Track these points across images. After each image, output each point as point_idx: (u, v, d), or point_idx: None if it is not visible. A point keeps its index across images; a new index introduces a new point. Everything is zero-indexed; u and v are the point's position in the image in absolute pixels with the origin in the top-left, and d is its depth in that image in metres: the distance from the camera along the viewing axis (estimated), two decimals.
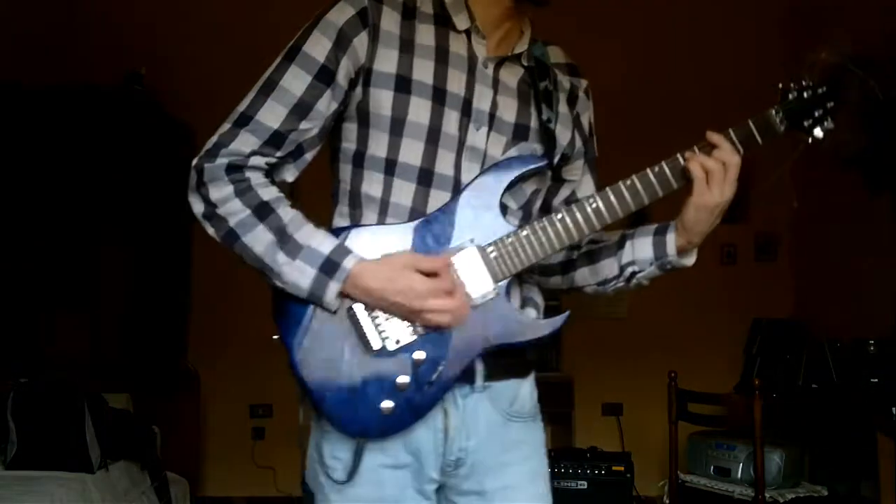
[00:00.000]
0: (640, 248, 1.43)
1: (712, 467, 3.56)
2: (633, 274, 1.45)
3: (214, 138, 1.33)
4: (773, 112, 1.38)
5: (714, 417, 3.37)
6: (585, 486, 3.71)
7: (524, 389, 1.45)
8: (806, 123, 1.39)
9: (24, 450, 3.37)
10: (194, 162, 1.33)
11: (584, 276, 1.51)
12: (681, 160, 1.36)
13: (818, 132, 1.40)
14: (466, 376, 1.35)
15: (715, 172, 1.34)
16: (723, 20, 4.74)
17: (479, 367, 1.37)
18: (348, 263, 1.28)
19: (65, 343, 3.94)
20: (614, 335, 4.78)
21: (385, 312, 1.30)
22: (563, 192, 1.53)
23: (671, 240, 1.41)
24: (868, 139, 4.09)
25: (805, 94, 1.39)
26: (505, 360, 1.39)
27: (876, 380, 3.51)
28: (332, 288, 1.28)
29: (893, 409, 3.14)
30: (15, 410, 3.42)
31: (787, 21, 4.78)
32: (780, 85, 1.40)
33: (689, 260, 1.44)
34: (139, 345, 4.10)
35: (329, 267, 1.28)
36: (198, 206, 1.33)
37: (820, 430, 3.87)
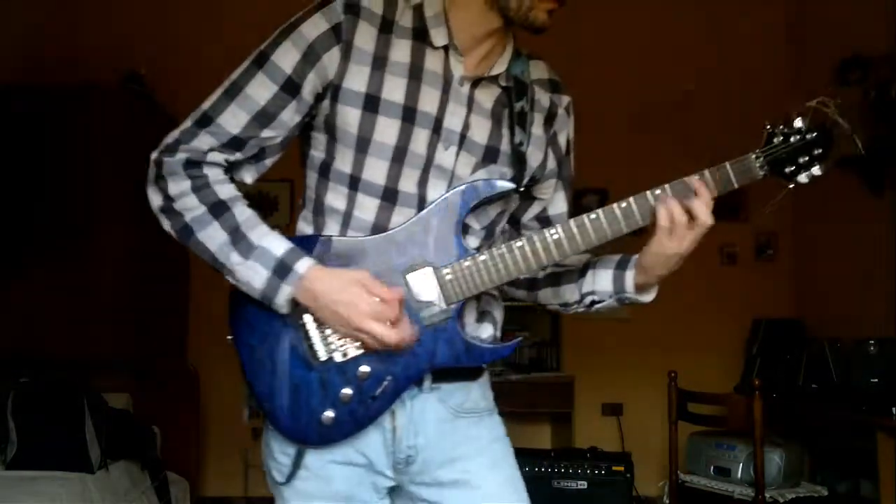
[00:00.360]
0: (601, 280, 1.44)
1: (712, 467, 3.56)
2: (593, 303, 1.47)
3: (175, 134, 1.33)
4: (754, 157, 1.37)
5: (714, 417, 3.37)
6: (585, 486, 3.71)
7: (474, 392, 1.45)
8: (788, 170, 1.37)
9: (24, 450, 3.36)
10: (154, 155, 1.33)
11: (546, 297, 1.54)
12: (650, 199, 1.33)
13: (803, 178, 1.37)
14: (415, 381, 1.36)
15: (678, 224, 1.31)
16: (729, 25, 4.75)
17: (428, 373, 1.37)
18: (301, 267, 1.28)
19: (65, 343, 3.94)
20: (614, 335, 4.77)
21: (327, 323, 1.30)
22: (534, 210, 1.52)
23: (629, 277, 1.41)
24: (868, 139, 4.09)
25: (792, 138, 1.36)
26: (454, 368, 1.39)
27: (876, 380, 3.51)
28: (285, 291, 1.28)
29: (893, 409, 3.14)
30: (15, 410, 3.41)
31: (793, 26, 4.78)
32: (768, 126, 1.37)
33: (648, 297, 1.43)
34: (139, 345, 4.10)
35: (282, 269, 1.28)
36: (156, 200, 1.33)
37: (820, 430, 3.87)
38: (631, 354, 4.69)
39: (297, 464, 1.34)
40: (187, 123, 1.33)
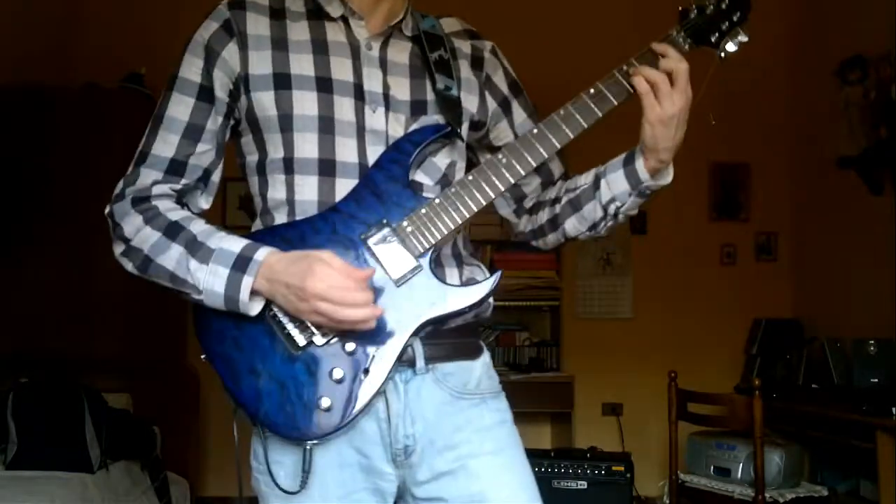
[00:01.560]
0: (616, 184, 1.38)
1: (712, 467, 3.56)
2: (618, 209, 1.40)
3: (120, 184, 1.33)
4: (675, 32, 1.35)
5: (714, 417, 3.37)
6: (585, 486, 3.71)
7: (477, 370, 1.40)
8: (713, 38, 1.35)
9: (24, 450, 3.36)
10: (106, 210, 1.32)
11: (573, 226, 1.46)
12: (618, 76, 1.31)
13: (731, 46, 1.35)
14: (407, 361, 1.30)
15: (660, 83, 1.28)
16: None
17: (419, 350, 1.31)
18: (259, 255, 1.24)
19: (65, 343, 3.94)
20: (614, 335, 4.78)
21: (286, 306, 1.23)
22: None
23: (640, 165, 1.35)
24: (868, 139, 4.10)
25: (707, 10, 1.35)
26: (449, 342, 1.35)
27: (876, 380, 3.51)
28: (246, 283, 1.22)
29: (893, 409, 3.14)
30: (15, 410, 3.41)
31: (793, 26, 4.78)
32: (680, 7, 1.35)
33: (666, 179, 1.38)
34: (139, 344, 4.10)
35: (241, 263, 1.24)
36: (117, 248, 1.32)
37: (820, 430, 3.87)
38: (631, 354, 4.69)
39: (306, 468, 1.27)
40: (129, 170, 1.34)
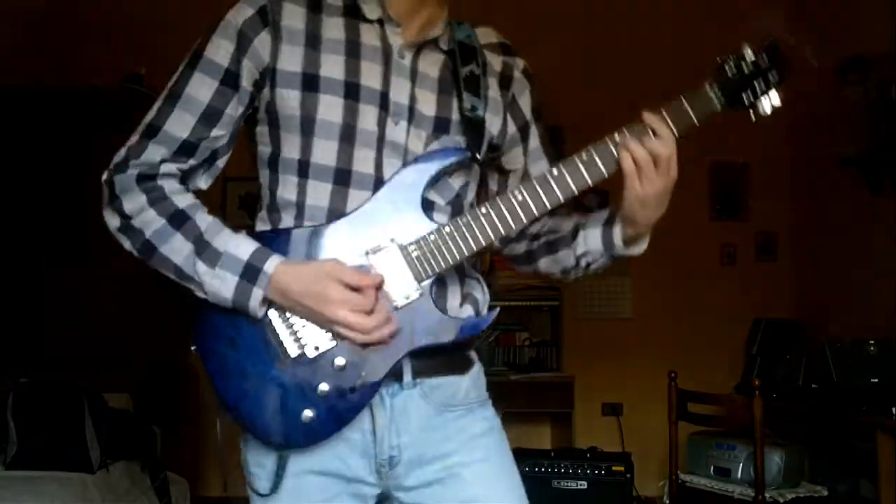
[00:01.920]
0: (591, 240, 1.38)
1: (712, 467, 3.55)
2: (588, 264, 1.41)
3: (123, 152, 1.29)
4: (707, 87, 1.28)
5: (714, 417, 3.36)
6: (585, 486, 3.70)
7: (464, 384, 1.37)
8: (747, 99, 1.29)
9: (24, 450, 3.36)
10: (104, 177, 1.28)
11: (547, 266, 1.47)
12: (610, 146, 1.27)
13: (765, 107, 1.30)
14: (394, 374, 1.29)
15: (643, 165, 1.25)
16: (728, 25, 4.74)
17: (407, 366, 1.30)
18: (269, 267, 1.23)
19: (64, 343, 3.94)
20: (614, 335, 4.78)
21: (300, 318, 1.25)
22: (511, 183, 1.47)
23: (617, 232, 1.35)
24: (868, 139, 4.09)
25: (743, 65, 1.29)
26: (437, 358, 1.33)
27: (876, 380, 3.51)
28: (256, 294, 1.23)
29: (893, 409, 3.14)
30: (15, 410, 3.41)
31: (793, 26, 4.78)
32: (719, 59, 1.29)
33: (639, 249, 1.37)
34: (139, 345, 4.10)
35: (250, 273, 1.23)
36: (113, 221, 1.28)
37: (820, 430, 3.86)
38: (631, 354, 4.69)
39: (279, 473, 1.27)
40: (133, 139, 1.29)
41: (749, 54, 1.29)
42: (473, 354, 1.43)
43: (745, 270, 4.89)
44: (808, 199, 4.73)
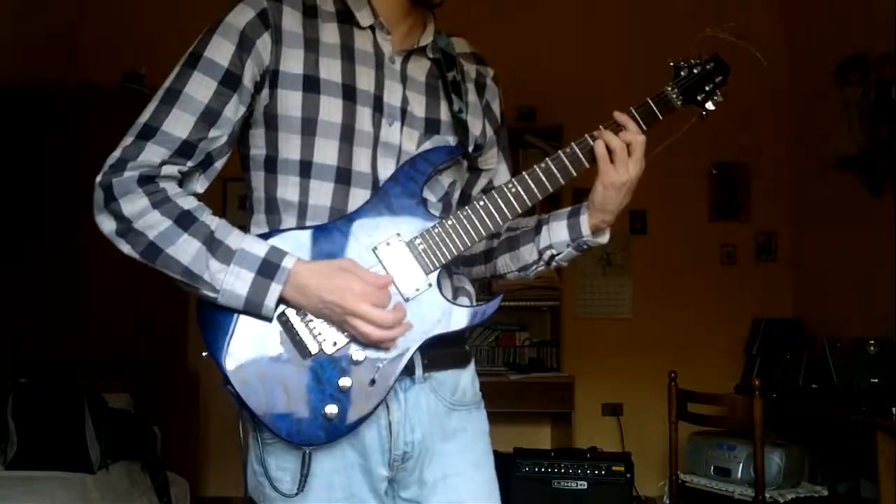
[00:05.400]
0: (556, 232, 1.46)
1: (712, 467, 3.56)
2: (552, 257, 1.47)
3: (117, 153, 1.27)
4: (669, 89, 1.43)
5: (714, 417, 3.37)
6: (585, 486, 3.71)
7: (465, 379, 1.45)
8: (699, 97, 1.45)
9: (24, 450, 3.37)
10: (98, 179, 1.26)
11: (505, 263, 1.54)
12: (589, 140, 1.39)
13: (710, 105, 1.46)
14: (407, 369, 1.33)
15: (618, 151, 1.37)
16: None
17: (418, 359, 1.36)
18: (288, 263, 1.24)
19: (64, 343, 3.94)
20: (614, 335, 4.78)
21: (318, 315, 1.27)
22: (481, 182, 1.56)
23: (584, 221, 1.43)
24: (868, 139, 4.10)
25: (695, 70, 1.45)
26: (444, 351, 1.39)
27: (876, 380, 3.51)
28: (274, 290, 1.23)
29: (893, 409, 3.14)
30: (15, 410, 3.42)
31: (793, 26, 4.78)
32: (671, 63, 1.47)
33: (603, 238, 1.46)
34: (139, 344, 4.10)
35: (267, 269, 1.23)
36: (108, 225, 1.26)
37: (820, 430, 3.87)
38: (631, 354, 4.69)
39: (305, 472, 1.28)
40: (128, 140, 1.27)
41: (698, 60, 1.47)
42: (469, 349, 1.50)
43: (745, 270, 4.89)
44: (808, 199, 4.73)
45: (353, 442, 1.32)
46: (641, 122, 1.40)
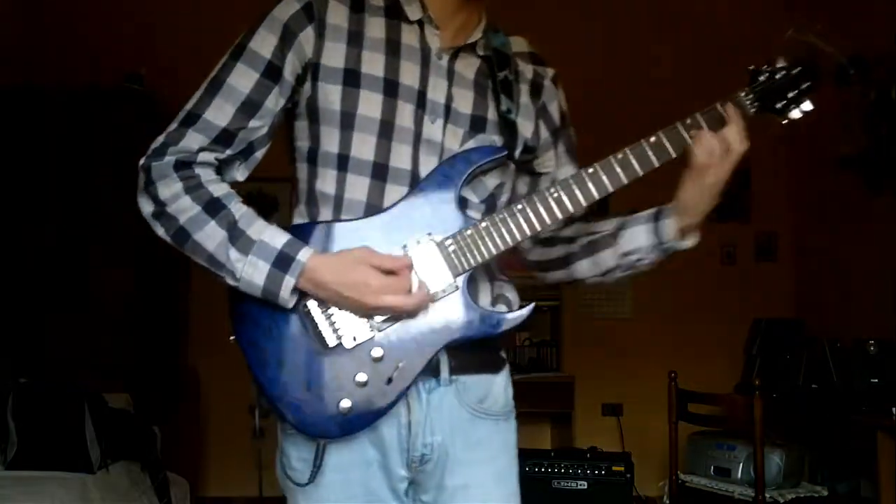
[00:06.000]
0: (638, 237, 1.40)
1: (712, 467, 3.56)
2: (637, 261, 1.42)
3: (161, 138, 1.30)
4: (743, 95, 1.35)
5: (714, 417, 3.36)
6: (585, 486, 3.71)
7: (497, 386, 1.41)
8: (779, 105, 1.36)
9: (24, 450, 3.37)
10: (141, 162, 1.30)
11: (584, 269, 1.48)
12: (683, 132, 1.31)
13: (795, 114, 1.36)
14: (431, 370, 1.32)
15: (718, 155, 1.29)
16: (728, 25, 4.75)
17: (445, 360, 1.33)
18: (303, 256, 1.25)
19: (64, 343, 3.94)
20: (614, 335, 4.78)
21: (339, 308, 1.27)
22: (542, 186, 1.49)
23: (669, 225, 1.37)
24: (868, 139, 4.09)
25: (777, 76, 1.35)
26: (475, 355, 1.36)
27: (876, 380, 3.51)
28: (288, 283, 1.24)
29: (893, 409, 3.14)
30: (15, 411, 3.42)
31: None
32: (751, 67, 1.36)
33: (691, 241, 1.39)
34: (139, 345, 4.10)
35: (283, 261, 1.24)
36: (147, 207, 1.30)
37: (820, 430, 3.87)
38: (631, 354, 4.69)
39: (318, 463, 1.29)
40: (173, 126, 1.31)
41: (781, 65, 1.35)
42: (504, 354, 1.46)
43: (745, 270, 4.89)
44: (808, 199, 4.73)
45: (373, 439, 1.31)
46: (749, 111, 1.32)
